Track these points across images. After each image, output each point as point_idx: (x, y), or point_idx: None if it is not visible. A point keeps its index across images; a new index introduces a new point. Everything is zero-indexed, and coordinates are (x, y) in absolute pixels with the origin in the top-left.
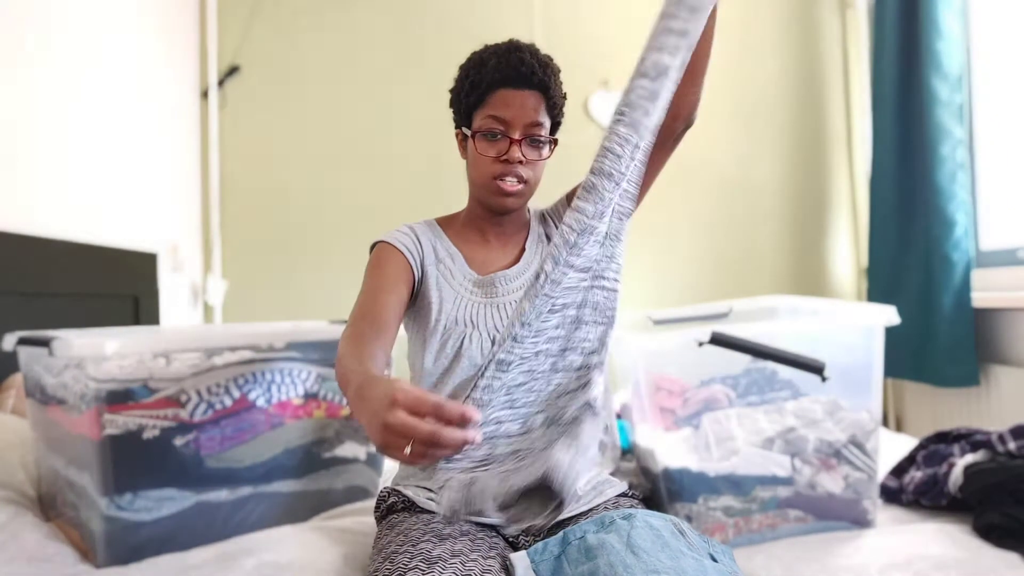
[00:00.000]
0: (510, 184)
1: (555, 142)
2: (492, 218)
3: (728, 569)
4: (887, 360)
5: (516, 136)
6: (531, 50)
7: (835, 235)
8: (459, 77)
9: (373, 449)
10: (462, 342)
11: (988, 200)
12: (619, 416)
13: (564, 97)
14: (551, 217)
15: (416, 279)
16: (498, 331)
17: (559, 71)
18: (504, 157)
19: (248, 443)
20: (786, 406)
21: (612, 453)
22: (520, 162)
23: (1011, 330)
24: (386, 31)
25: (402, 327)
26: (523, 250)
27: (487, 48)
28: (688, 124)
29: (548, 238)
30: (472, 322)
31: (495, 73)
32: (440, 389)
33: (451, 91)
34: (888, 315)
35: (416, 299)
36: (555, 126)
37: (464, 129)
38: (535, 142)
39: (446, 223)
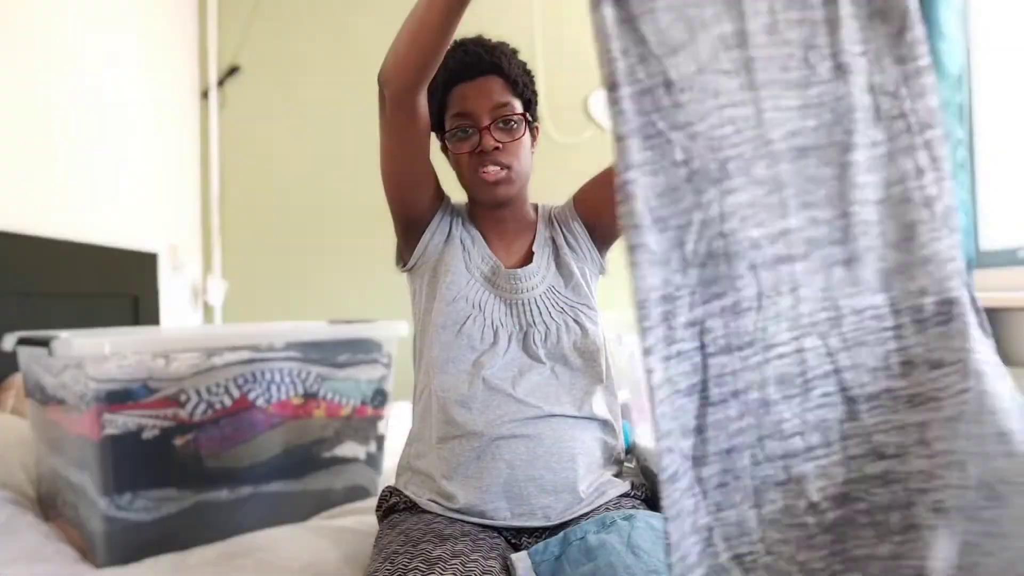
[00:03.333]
0: (492, 172)
1: (529, 121)
2: (492, 215)
3: None
4: None
5: (485, 123)
6: (475, 40)
7: None
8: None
9: (373, 449)
10: (465, 321)
11: (988, 200)
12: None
13: (528, 74)
14: (558, 222)
15: (433, 218)
16: (502, 323)
17: (514, 52)
18: (478, 148)
19: (248, 443)
20: None
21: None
22: (496, 148)
23: (1011, 330)
24: (386, 31)
25: (409, 296)
26: (530, 251)
27: None
28: None
29: (554, 242)
30: (479, 306)
31: (444, 73)
32: (441, 362)
33: None
34: None
35: (428, 253)
36: (529, 105)
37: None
38: (506, 124)
39: (466, 208)
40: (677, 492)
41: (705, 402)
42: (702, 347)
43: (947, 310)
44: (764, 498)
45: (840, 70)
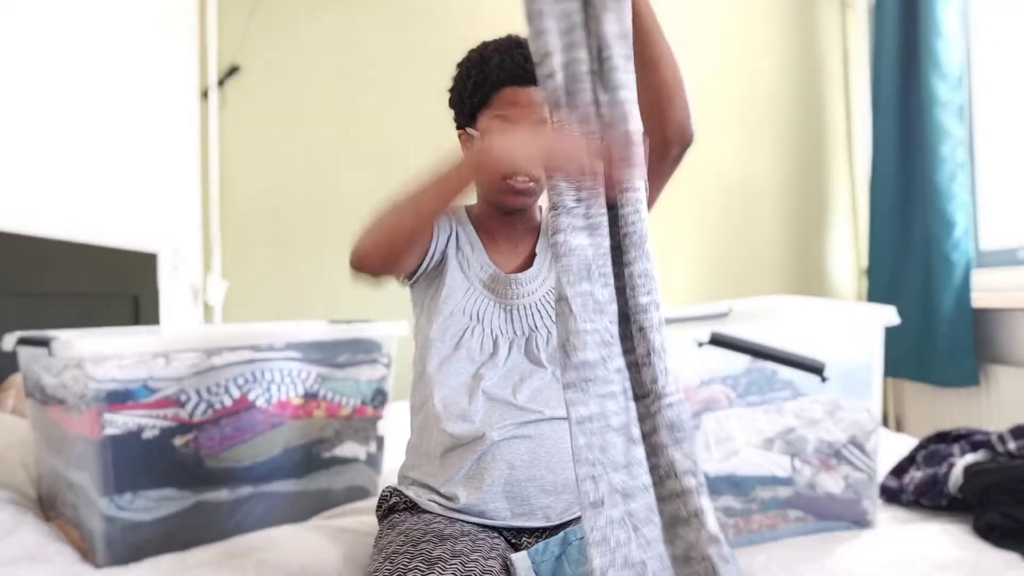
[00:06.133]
0: (521, 182)
1: None
2: (502, 218)
3: None
4: (887, 360)
5: None
6: None
7: (835, 235)
8: (459, 76)
9: (373, 449)
10: (463, 334)
11: (988, 200)
12: None
13: None
14: None
15: (434, 247)
16: (502, 331)
17: None
18: None
19: (248, 443)
20: (786, 406)
21: None
22: None
23: (1011, 330)
24: (386, 31)
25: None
26: (533, 254)
27: (487, 45)
28: (685, 145)
29: None
30: (477, 316)
31: (499, 71)
32: (441, 377)
33: (450, 91)
34: (888, 315)
35: (429, 271)
36: None
37: (469, 130)
38: None
39: (468, 210)
40: (603, 519)
41: (629, 440)
42: (624, 391)
43: None
44: (674, 534)
45: None
